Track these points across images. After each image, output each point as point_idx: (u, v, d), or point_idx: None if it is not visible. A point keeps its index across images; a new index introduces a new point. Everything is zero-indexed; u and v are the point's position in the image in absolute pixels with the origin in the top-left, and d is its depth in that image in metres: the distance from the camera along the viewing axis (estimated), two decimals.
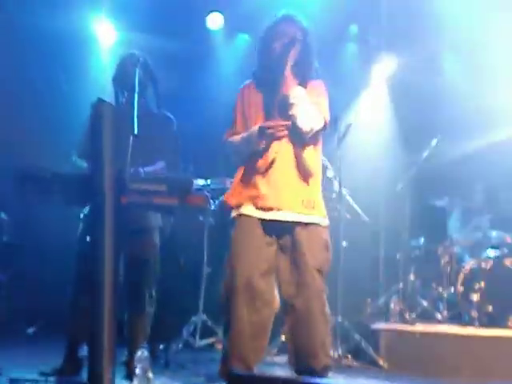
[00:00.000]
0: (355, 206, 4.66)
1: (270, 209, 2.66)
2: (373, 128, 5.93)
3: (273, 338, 4.10)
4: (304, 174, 2.67)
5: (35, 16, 5.06)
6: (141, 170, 3.01)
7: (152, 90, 3.28)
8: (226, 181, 4.16)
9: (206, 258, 4.45)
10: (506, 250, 4.91)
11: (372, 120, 5.95)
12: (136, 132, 2.39)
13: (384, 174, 5.72)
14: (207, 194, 4.12)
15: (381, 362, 4.07)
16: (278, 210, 2.66)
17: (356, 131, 4.67)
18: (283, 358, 3.99)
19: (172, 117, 3.36)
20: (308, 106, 2.63)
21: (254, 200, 2.68)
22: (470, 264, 5.10)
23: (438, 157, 5.18)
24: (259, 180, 2.69)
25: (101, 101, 2.03)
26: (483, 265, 4.88)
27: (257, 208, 2.68)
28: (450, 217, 5.64)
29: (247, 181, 2.72)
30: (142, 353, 2.67)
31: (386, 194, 5.41)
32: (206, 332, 4.42)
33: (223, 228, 4.50)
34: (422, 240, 5.42)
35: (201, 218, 4.51)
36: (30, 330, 4.78)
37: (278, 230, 2.69)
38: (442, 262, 5.04)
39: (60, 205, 2.39)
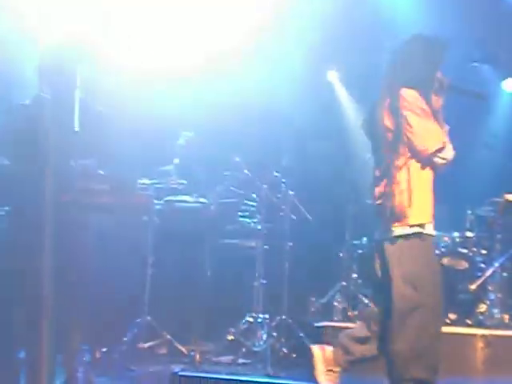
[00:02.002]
0: (300, 206, 4.72)
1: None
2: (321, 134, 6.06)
3: (219, 338, 4.12)
4: None
5: None
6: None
7: (92, 87, 3.20)
8: (171, 180, 4.12)
9: (150, 258, 4.37)
10: (443, 249, 5.11)
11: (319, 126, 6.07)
12: (76, 129, 2.34)
13: (329, 174, 5.84)
14: (151, 193, 4.07)
15: None
16: None
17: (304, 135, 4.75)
18: (228, 358, 4.02)
19: (114, 113, 3.29)
20: None
21: (432, 219, 2.72)
22: None
23: None
24: (431, 198, 2.72)
25: (40, 97, 1.97)
26: None
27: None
28: None
29: (427, 197, 2.70)
30: (83, 356, 2.61)
31: (330, 194, 5.51)
32: (151, 334, 4.36)
33: (169, 228, 4.48)
34: (365, 239, 5.56)
35: (145, 218, 4.43)
36: None
37: None
38: None
39: None
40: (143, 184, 4.13)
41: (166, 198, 4.30)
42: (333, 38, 5.44)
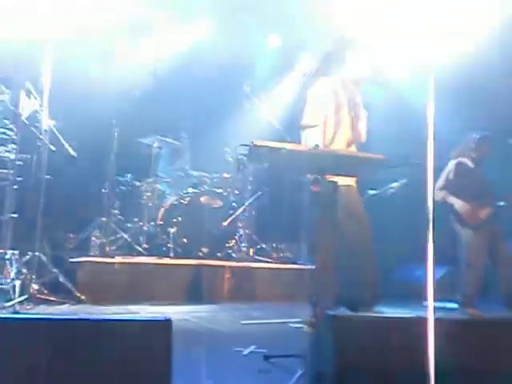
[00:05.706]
0: (61, 137, 4.44)
1: None
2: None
3: None
4: None
5: None
6: None
7: None
8: None
9: None
10: (202, 189, 5.43)
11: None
12: None
13: (94, 110, 5.64)
14: None
15: (78, 295, 4.10)
16: None
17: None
18: None
19: None
20: None
21: None
22: (170, 200, 5.47)
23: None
24: None
25: None
26: (182, 201, 5.30)
27: None
28: (158, 155, 5.90)
29: None
30: None
31: (94, 128, 5.32)
32: None
33: None
34: (129, 176, 5.56)
35: None
36: None
37: None
38: (145, 197, 5.27)
39: None
40: None
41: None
42: None
